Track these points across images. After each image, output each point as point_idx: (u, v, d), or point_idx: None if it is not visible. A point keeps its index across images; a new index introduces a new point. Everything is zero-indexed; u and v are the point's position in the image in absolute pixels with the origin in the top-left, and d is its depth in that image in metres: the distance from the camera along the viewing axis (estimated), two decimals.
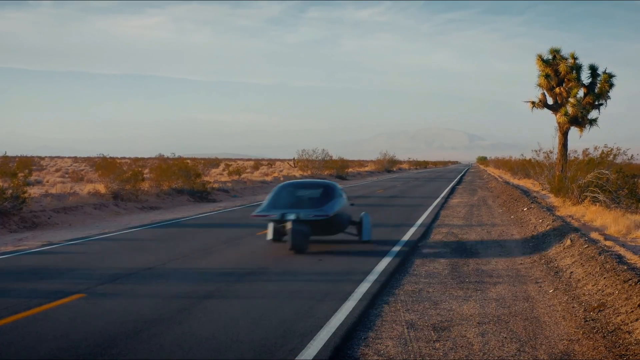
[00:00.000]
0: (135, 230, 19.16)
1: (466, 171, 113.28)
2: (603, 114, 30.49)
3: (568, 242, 14.14)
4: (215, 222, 21.71)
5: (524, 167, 56.60)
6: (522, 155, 58.51)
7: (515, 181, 54.07)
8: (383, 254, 14.32)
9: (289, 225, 13.85)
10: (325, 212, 13.95)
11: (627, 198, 23.06)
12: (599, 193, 23.26)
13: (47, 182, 43.50)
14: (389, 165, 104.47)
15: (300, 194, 15.10)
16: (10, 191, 20.42)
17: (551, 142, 31.43)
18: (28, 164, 73.07)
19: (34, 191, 27.83)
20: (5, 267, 12.73)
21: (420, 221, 21.91)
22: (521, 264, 13.47)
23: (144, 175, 36.08)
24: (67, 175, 52.55)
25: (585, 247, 12.94)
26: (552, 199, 28.30)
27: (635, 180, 24.48)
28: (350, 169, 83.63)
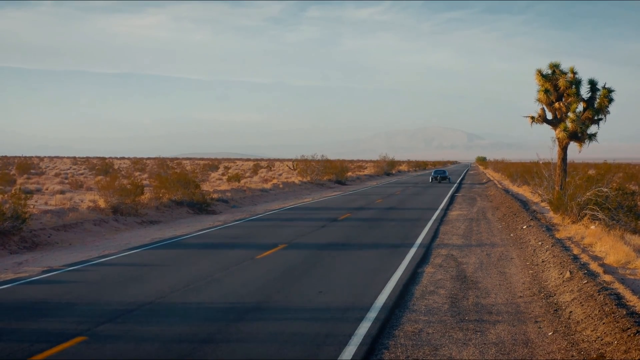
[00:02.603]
0: (134, 252, 19.19)
1: (465, 173, 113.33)
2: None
3: (567, 274, 14.18)
4: (214, 241, 21.73)
5: (523, 175, 56.72)
6: (521, 161, 58.91)
7: (515, 188, 54.12)
8: (382, 284, 14.38)
9: (438, 178, 71.88)
10: (446, 175, 73.48)
11: (625, 216, 23.09)
12: (598, 211, 23.30)
13: (47, 190, 43.54)
14: (388, 168, 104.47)
15: (439, 171, 75.64)
16: (11, 211, 20.41)
17: (550, 143, 31.49)
18: (27, 167, 72.99)
19: (34, 204, 27.84)
20: (7, 301, 12.75)
21: (419, 240, 21.94)
22: (521, 297, 13.51)
23: (143, 182, 36.14)
24: (66, 181, 52.57)
25: (585, 283, 12.97)
26: (552, 214, 28.34)
27: (635, 196, 24.50)
28: (349, 173, 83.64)
